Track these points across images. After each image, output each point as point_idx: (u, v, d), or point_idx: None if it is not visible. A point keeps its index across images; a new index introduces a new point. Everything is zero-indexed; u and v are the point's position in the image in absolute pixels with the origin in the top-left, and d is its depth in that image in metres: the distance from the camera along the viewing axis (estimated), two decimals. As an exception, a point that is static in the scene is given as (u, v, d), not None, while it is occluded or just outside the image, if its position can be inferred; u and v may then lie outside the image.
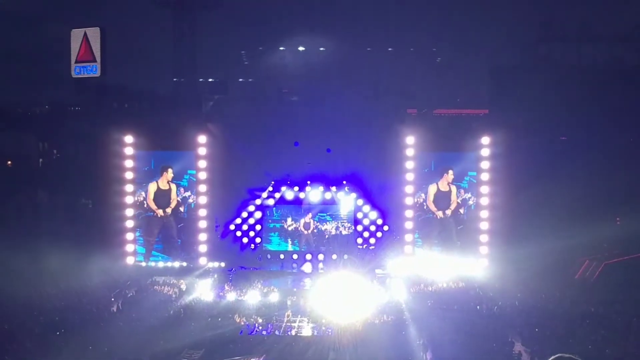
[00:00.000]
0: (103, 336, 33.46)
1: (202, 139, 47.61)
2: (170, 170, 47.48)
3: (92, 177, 49.14)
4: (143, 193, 47.68)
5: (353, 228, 49.64)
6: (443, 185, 47.48)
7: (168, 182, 47.59)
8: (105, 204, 47.95)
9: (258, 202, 49.41)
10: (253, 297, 41.06)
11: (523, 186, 45.19)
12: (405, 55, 58.47)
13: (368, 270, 45.95)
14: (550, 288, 40.63)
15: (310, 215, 49.43)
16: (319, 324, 36.52)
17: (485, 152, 46.90)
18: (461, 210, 47.63)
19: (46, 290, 40.53)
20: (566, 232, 41.96)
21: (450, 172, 47.21)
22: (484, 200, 47.00)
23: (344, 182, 49.17)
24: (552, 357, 6.05)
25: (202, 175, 47.52)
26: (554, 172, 45.88)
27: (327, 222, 49.54)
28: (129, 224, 47.61)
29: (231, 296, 41.91)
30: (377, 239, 49.61)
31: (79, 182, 51.02)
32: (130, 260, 47.52)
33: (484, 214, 47.04)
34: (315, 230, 49.53)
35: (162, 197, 47.80)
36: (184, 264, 47.63)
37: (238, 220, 49.47)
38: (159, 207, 47.72)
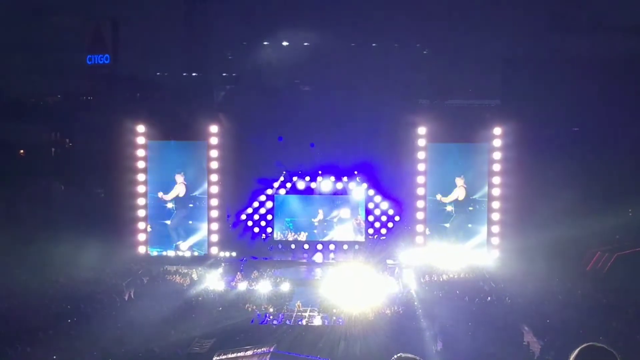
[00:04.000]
0: (115, 325, 33.61)
1: (213, 128, 47.71)
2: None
3: (105, 166, 49.38)
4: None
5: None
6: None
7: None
8: (118, 193, 48.13)
9: (269, 191, 49.46)
10: (264, 287, 41.10)
11: (534, 177, 45.09)
12: (415, 47, 58.38)
13: (379, 260, 46.01)
14: (561, 279, 40.57)
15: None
16: (329, 314, 36.52)
17: (497, 142, 46.83)
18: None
19: (58, 280, 40.73)
20: (578, 223, 41.82)
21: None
22: (496, 191, 46.95)
23: (356, 172, 49.14)
24: (583, 346, 6.03)
25: (214, 165, 47.63)
26: (565, 163, 45.77)
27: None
28: (141, 213, 47.75)
29: (242, 286, 41.98)
30: (388, 229, 49.60)
31: (91, 172, 51.22)
32: (142, 249, 47.68)
33: (496, 204, 47.00)
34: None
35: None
36: (196, 253, 47.80)
37: (249, 210, 49.56)
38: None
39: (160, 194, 48.01)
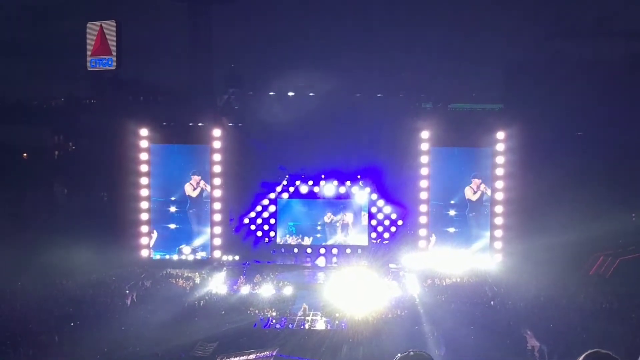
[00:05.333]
0: (117, 328, 33.61)
1: (216, 132, 47.67)
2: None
3: (108, 169, 49.39)
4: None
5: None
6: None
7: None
8: (121, 196, 48.09)
9: (272, 195, 49.43)
10: (267, 290, 41.09)
11: (538, 181, 45.04)
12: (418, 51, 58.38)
13: (382, 264, 45.99)
14: (564, 283, 40.50)
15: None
16: (332, 318, 36.49)
17: (500, 147, 46.73)
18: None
19: (61, 282, 40.72)
20: (581, 227, 41.76)
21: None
22: (499, 195, 46.84)
23: (359, 176, 49.10)
24: (588, 352, 6.00)
25: (217, 169, 47.58)
26: (569, 168, 45.74)
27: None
28: (144, 216, 47.69)
29: (245, 290, 41.97)
30: (391, 233, 49.54)
31: (94, 175, 51.25)
32: (145, 252, 47.61)
33: (499, 208, 46.89)
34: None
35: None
36: (199, 257, 47.75)
37: (252, 214, 49.52)
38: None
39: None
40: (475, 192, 47.34)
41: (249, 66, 59.44)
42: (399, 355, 6.11)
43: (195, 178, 47.83)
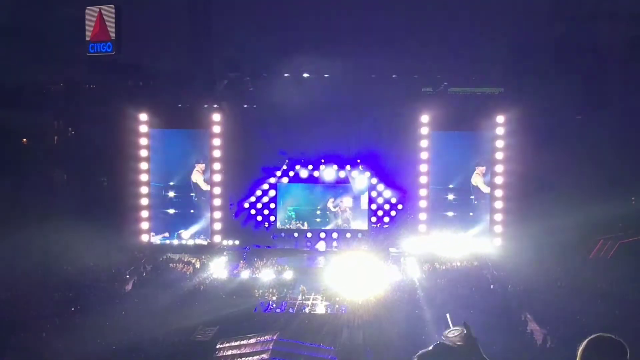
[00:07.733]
0: (118, 313, 33.69)
1: (216, 117, 47.61)
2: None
3: (107, 155, 49.27)
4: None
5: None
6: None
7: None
8: (120, 181, 48.07)
9: (272, 180, 49.41)
10: (267, 275, 41.16)
11: (538, 165, 44.97)
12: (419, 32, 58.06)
13: (382, 248, 46.00)
14: (564, 267, 40.54)
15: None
16: (332, 302, 36.59)
17: (500, 130, 46.68)
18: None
19: (62, 268, 40.73)
20: (581, 211, 41.71)
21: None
22: (499, 179, 46.82)
23: (359, 160, 49.06)
24: (591, 337, 6.00)
25: (217, 154, 47.54)
26: (568, 151, 45.63)
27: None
28: (144, 201, 47.68)
29: (245, 274, 42.05)
30: (391, 217, 49.55)
31: (94, 160, 51.14)
32: (145, 237, 47.64)
33: (499, 193, 46.89)
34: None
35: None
36: (199, 241, 47.76)
37: (252, 199, 49.51)
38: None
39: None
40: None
41: (248, 50, 59.17)
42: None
43: (200, 166, 47.87)
